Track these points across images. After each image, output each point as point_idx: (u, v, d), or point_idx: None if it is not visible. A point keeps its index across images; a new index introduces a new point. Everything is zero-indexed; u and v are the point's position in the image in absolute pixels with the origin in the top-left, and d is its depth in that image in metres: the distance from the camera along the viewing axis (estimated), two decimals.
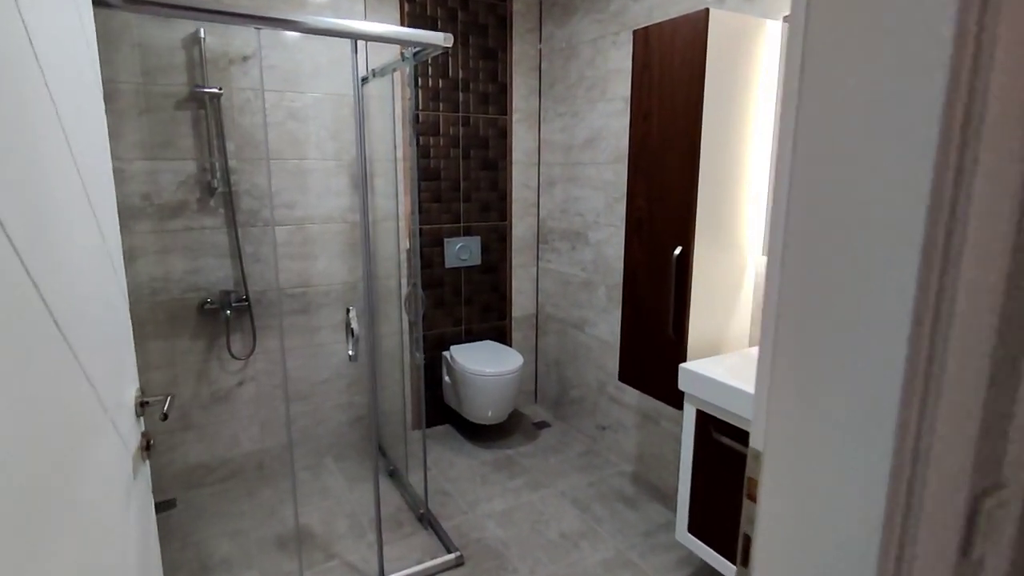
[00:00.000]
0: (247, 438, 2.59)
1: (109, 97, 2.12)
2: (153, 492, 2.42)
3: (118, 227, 0.97)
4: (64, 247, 0.62)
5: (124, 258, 2.21)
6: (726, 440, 1.68)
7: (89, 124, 0.83)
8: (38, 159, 0.57)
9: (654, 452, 2.56)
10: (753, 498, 0.70)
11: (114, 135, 2.15)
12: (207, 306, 2.38)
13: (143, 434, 0.99)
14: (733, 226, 1.91)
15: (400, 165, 2.71)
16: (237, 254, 2.41)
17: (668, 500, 2.44)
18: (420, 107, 2.80)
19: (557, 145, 3.00)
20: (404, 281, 2.84)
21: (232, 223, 2.39)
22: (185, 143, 2.27)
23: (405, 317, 2.48)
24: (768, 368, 0.65)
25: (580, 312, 2.95)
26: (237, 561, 2.05)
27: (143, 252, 2.27)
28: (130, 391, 0.94)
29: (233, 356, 2.46)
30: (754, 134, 1.89)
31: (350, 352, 1.72)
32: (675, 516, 2.33)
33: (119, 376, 0.86)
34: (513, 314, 3.26)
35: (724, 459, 1.71)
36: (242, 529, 2.23)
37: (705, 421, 1.76)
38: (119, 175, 2.18)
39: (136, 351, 2.30)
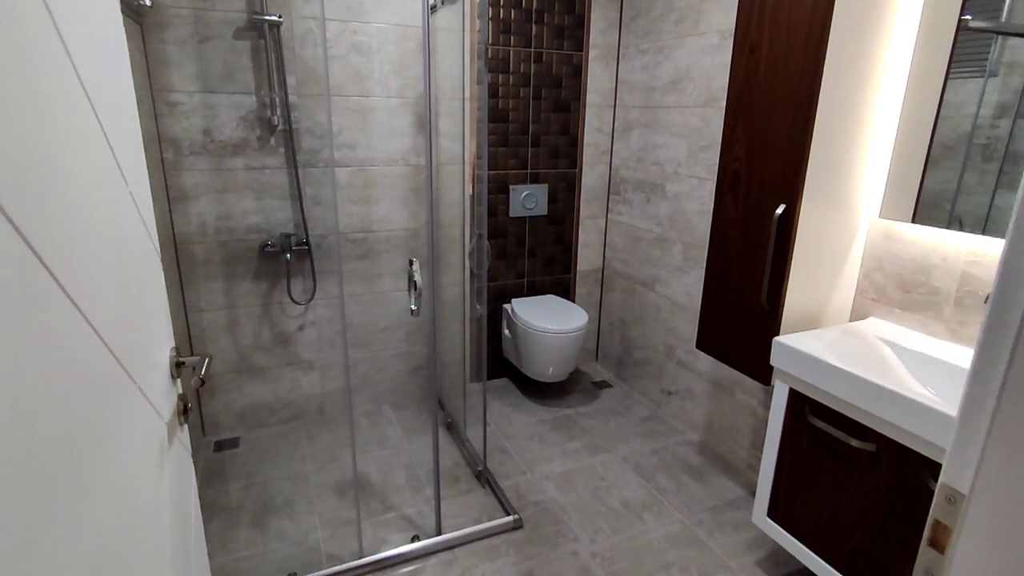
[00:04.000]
0: (308, 382, 2.59)
1: (166, 25, 2.02)
2: (217, 430, 2.48)
3: (145, 167, 0.85)
4: (69, 193, 0.50)
5: (184, 197, 2.18)
6: (823, 424, 1.50)
7: (104, 43, 0.70)
8: (32, 82, 0.44)
9: (725, 423, 2.40)
10: (939, 546, 0.54)
11: (174, 65, 2.06)
12: (268, 248, 2.32)
13: (180, 397, 0.91)
14: (847, 183, 1.66)
15: (468, 105, 2.52)
16: (298, 196, 2.33)
17: (738, 475, 2.30)
18: (489, 40, 2.58)
19: (636, 86, 2.73)
20: (468, 229, 2.71)
21: (293, 163, 2.29)
22: (245, 76, 2.16)
23: (467, 268, 2.36)
24: (993, 392, 0.48)
25: (651, 270, 2.75)
26: (299, 505, 2.07)
27: (205, 190, 2.21)
28: (163, 352, 0.86)
29: (293, 300, 2.43)
30: (885, 72, 1.60)
31: (412, 306, 1.61)
32: (744, 492, 2.19)
33: (148, 338, 0.76)
34: (578, 268, 3.10)
35: (819, 444, 1.54)
36: (303, 473, 2.25)
37: (799, 401, 1.58)
38: (178, 108, 2.10)
39: (199, 291, 2.32)
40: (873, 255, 1.75)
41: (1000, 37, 1.46)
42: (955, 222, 1.53)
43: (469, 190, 2.68)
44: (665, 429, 2.63)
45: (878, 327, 1.69)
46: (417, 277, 1.59)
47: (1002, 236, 1.40)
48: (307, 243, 2.36)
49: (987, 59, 1.46)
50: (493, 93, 2.65)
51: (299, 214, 2.35)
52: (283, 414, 2.58)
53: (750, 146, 1.72)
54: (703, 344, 1.99)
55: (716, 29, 2.21)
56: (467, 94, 2.45)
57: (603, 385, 3.06)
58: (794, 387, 1.58)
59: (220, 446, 2.41)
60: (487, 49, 1.71)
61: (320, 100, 2.29)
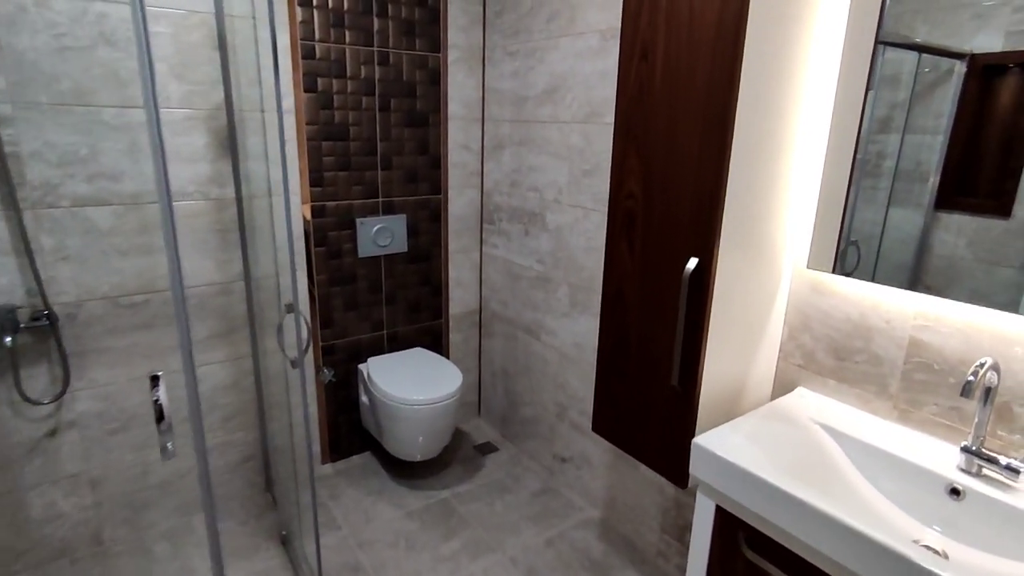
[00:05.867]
0: (73, 504, 1.84)
1: None
2: None
3: None
4: None
5: None
6: (765, 564, 1.11)
7: None
8: None
9: (629, 500, 2.00)
10: None
11: None
12: None
13: None
14: (769, 225, 1.30)
15: (290, 118, 1.93)
16: (25, 250, 1.60)
17: (647, 565, 1.90)
18: (317, 36, 2.00)
19: (506, 95, 2.27)
20: (297, 276, 2.11)
21: (12, 203, 1.57)
22: None
23: (304, 329, 1.76)
24: None
25: (534, 315, 2.31)
26: None
27: None
28: None
29: (27, 399, 1.68)
30: (810, 78, 1.26)
31: (168, 445, 1.01)
32: None
33: None
34: (450, 311, 2.59)
35: None
36: None
37: (730, 524, 1.18)
38: None
39: None
40: (798, 312, 1.40)
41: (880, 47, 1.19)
42: (852, 246, 1.26)
43: (298, 226, 2.09)
44: (561, 506, 2.19)
45: (810, 404, 1.35)
46: (163, 399, 0.99)
47: (895, 285, 1.10)
48: (48, 316, 1.64)
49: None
50: (325, 103, 2.07)
51: (31, 276, 1.63)
52: (34, 555, 1.81)
53: (647, 179, 1.31)
54: (600, 427, 1.56)
55: (595, 28, 1.81)
56: (282, 104, 1.85)
57: (487, 449, 2.57)
58: (722, 504, 1.18)
59: None
60: (275, 45, 1.15)
61: (55, 112, 1.58)
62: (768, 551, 1.10)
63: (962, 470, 1.09)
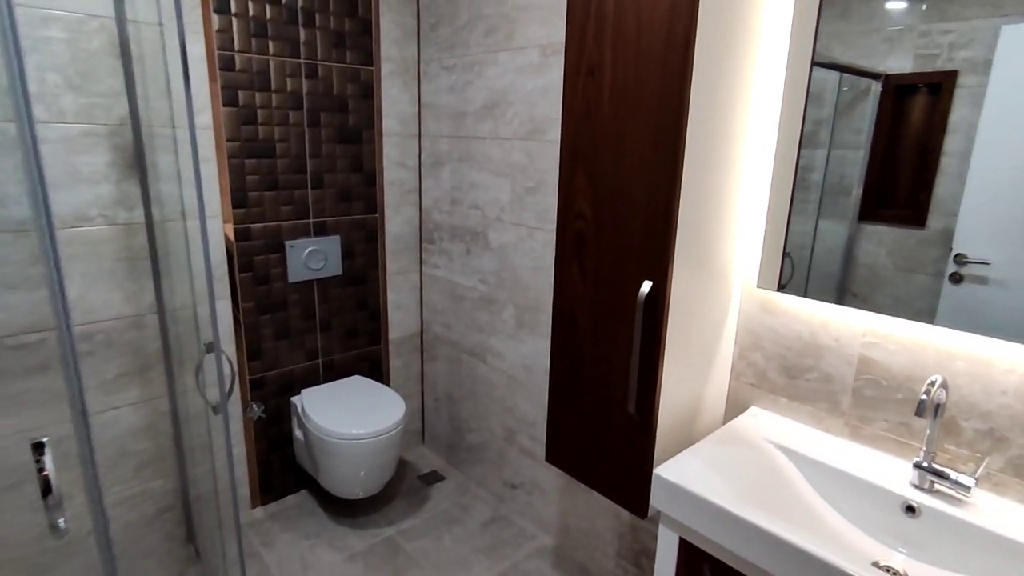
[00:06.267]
0: None
1: None
2: None
3: None
4: None
5: None
6: None
7: None
8: None
9: (583, 526, 1.94)
10: None
11: None
12: None
13: None
14: (720, 245, 1.28)
15: (208, 134, 1.77)
16: None
17: None
18: (236, 46, 1.86)
19: (443, 110, 2.19)
20: (219, 305, 1.94)
21: None
22: None
23: (228, 368, 1.60)
24: None
25: (479, 337, 2.23)
26: None
27: None
28: None
29: None
30: (751, 101, 1.25)
31: (58, 523, 0.86)
32: None
33: None
34: (390, 336, 2.46)
35: None
36: None
37: (695, 557, 1.13)
38: None
39: None
40: (749, 331, 1.39)
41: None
42: (786, 258, 1.28)
43: (220, 251, 1.92)
44: (513, 535, 2.11)
45: (763, 424, 1.34)
46: (50, 469, 0.84)
47: (825, 293, 1.12)
48: None
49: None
50: (248, 118, 1.92)
51: None
52: None
53: (597, 199, 1.26)
54: (554, 457, 1.49)
55: (535, 43, 1.76)
56: (195, 119, 1.70)
57: (433, 478, 2.45)
58: (686, 537, 1.14)
59: None
60: (184, 54, 1.02)
61: None
62: None
63: (915, 486, 1.09)
